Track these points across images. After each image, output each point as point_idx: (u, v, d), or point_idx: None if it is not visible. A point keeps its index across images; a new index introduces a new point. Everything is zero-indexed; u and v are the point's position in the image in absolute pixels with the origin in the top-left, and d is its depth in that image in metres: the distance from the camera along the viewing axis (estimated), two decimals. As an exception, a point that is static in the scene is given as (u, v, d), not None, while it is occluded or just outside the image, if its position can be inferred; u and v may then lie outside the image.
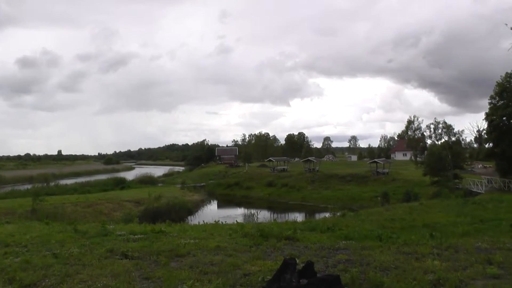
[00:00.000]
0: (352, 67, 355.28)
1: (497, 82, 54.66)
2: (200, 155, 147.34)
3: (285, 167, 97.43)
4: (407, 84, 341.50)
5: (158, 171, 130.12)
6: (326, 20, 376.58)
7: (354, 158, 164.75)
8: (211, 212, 57.48)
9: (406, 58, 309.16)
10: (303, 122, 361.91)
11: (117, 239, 12.28)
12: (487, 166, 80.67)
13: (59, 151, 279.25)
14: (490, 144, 58.66)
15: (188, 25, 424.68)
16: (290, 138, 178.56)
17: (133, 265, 8.72)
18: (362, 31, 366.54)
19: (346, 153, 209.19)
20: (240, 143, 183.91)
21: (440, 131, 69.28)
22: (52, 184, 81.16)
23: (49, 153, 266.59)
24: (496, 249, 10.91)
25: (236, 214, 54.38)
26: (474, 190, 52.71)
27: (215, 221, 20.24)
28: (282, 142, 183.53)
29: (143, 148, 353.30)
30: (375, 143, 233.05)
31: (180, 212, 50.15)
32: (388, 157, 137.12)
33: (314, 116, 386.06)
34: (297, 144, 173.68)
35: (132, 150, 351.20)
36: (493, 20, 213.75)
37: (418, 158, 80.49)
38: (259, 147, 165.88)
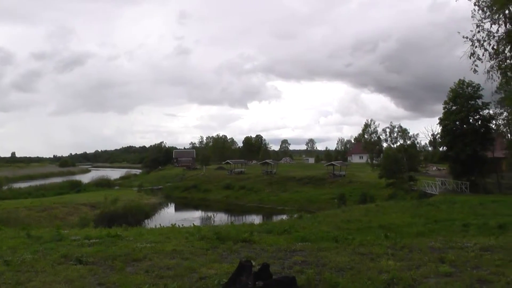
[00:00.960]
0: (310, 70, 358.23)
1: (450, 88, 56.33)
2: (158, 157, 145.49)
3: (243, 169, 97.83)
4: (364, 88, 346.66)
5: (115, 173, 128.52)
6: (285, 23, 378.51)
7: (311, 160, 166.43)
8: (168, 215, 57.02)
9: (364, 63, 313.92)
10: (261, 124, 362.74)
11: (71, 244, 11.94)
12: (441, 168, 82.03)
13: (13, 153, 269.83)
14: (444, 147, 59.88)
15: (146, 25, 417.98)
16: (248, 140, 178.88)
17: (87, 271, 8.46)
18: (321, 35, 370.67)
19: (304, 156, 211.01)
20: (198, 145, 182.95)
21: (395, 134, 69.59)
22: (5, 187, 78.58)
23: (2, 155, 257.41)
24: (448, 248, 11.16)
25: (194, 217, 54.27)
26: (429, 191, 53.63)
27: (172, 224, 19.94)
28: (240, 144, 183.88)
29: (99, 150, 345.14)
30: (332, 146, 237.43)
31: (137, 216, 49.75)
32: (345, 159, 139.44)
33: (272, 119, 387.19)
34: (254, 146, 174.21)
35: (88, 152, 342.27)
36: (448, 28, 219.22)
37: (374, 161, 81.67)
38: (217, 149, 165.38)
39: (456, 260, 9.37)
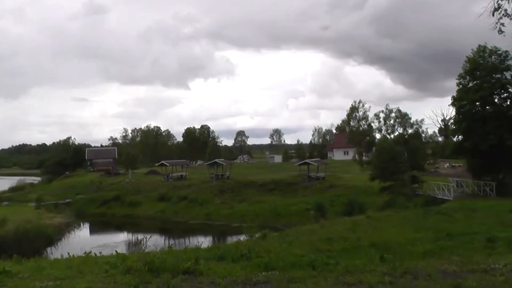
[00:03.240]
0: (274, 36, 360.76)
1: (467, 57, 55.51)
2: (64, 159, 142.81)
3: (184, 173, 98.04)
4: (348, 59, 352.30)
5: (2, 183, 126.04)
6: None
7: (278, 159, 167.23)
8: (81, 240, 56.27)
9: (347, 25, 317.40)
10: (208, 111, 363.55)
11: None
12: (456, 165, 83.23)
13: None
14: (459, 136, 59.82)
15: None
16: (190, 133, 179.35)
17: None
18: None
19: (267, 153, 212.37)
20: (120, 141, 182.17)
21: (392, 121, 70.93)
22: None
23: None
24: (468, 272, 11.22)
25: (116, 241, 54.07)
26: (439, 196, 53.90)
27: (85, 252, 19.64)
28: (179, 139, 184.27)
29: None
30: (306, 139, 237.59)
31: (35, 242, 48.67)
32: (324, 156, 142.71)
33: (223, 103, 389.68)
34: (199, 141, 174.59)
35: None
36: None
37: (363, 157, 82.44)
38: (147, 146, 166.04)
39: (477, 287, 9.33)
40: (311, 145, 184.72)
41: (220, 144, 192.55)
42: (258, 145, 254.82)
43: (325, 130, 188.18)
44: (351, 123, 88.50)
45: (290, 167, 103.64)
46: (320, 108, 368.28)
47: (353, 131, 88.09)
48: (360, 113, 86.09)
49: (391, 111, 71.66)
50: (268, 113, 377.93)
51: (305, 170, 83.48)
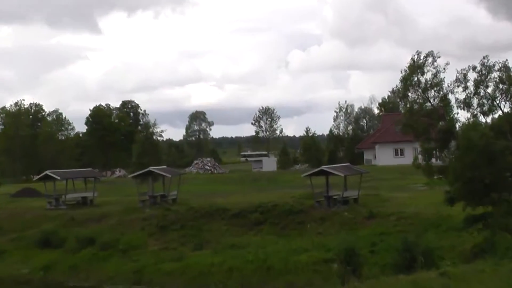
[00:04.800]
0: None
1: None
2: None
3: (90, 193, 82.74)
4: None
5: None
6: None
7: (269, 164, 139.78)
8: None
9: None
10: (135, 74, 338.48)
11: None
12: None
13: None
14: None
15: None
16: (100, 116, 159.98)
17: None
18: None
19: (248, 151, 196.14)
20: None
21: (491, 89, 57.13)
22: None
23: None
24: None
25: None
26: None
27: None
28: (81, 128, 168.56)
29: None
30: (323, 126, 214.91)
31: None
32: (357, 159, 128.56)
33: (164, 58, 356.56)
34: (118, 132, 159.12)
35: None
36: None
37: (433, 160, 65.99)
38: (15, 142, 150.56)
39: None
40: (333, 137, 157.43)
41: (160, 138, 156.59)
42: (231, 138, 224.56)
43: (359, 109, 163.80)
44: (409, 95, 66.19)
45: (293, 179, 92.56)
46: (349, 67, 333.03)
47: (413, 111, 66.58)
48: (428, 76, 64.44)
49: (489, 68, 56.39)
50: (251, 78, 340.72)
51: (321, 185, 67.48)
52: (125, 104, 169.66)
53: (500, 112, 57.73)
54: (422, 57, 63.87)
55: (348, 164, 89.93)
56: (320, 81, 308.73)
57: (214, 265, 55.60)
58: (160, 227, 65.99)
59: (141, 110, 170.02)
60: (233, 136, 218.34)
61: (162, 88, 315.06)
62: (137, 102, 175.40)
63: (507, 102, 57.44)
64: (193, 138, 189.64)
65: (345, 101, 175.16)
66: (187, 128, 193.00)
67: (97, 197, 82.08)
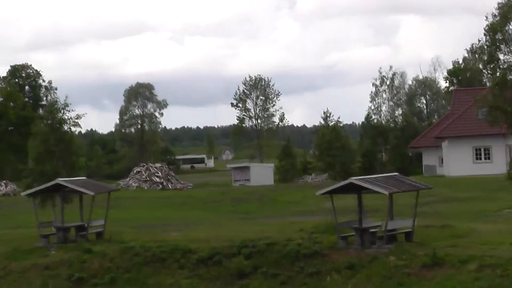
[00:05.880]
0: None
1: None
2: None
3: None
4: None
5: None
6: None
7: (262, 173, 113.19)
8: None
9: None
10: (35, 23, 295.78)
11: None
12: None
13: None
14: None
15: None
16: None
17: None
18: None
19: (227, 153, 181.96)
20: None
21: None
22: None
23: None
24: None
25: None
26: None
27: None
28: None
29: None
30: (354, 110, 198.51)
31: None
32: (408, 167, 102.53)
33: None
34: (8, 120, 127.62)
35: None
36: None
37: None
38: None
39: None
40: (370, 128, 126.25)
41: (76, 128, 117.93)
42: (197, 129, 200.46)
43: (414, 81, 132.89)
44: (499, 56, 56.40)
45: (302, 199, 74.94)
46: (397, 9, 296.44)
47: (506, 83, 56.01)
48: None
49: None
50: (231, 26, 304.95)
51: (349, 209, 51.93)
52: (15, 70, 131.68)
53: None
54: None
55: (396, 174, 68.97)
56: (348, 33, 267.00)
57: None
58: (75, 282, 47.23)
59: (43, 80, 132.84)
60: (201, 126, 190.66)
61: (79, 43, 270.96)
62: (35, 68, 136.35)
63: None
64: (132, 130, 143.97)
65: (390, 67, 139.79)
66: (122, 113, 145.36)
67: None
